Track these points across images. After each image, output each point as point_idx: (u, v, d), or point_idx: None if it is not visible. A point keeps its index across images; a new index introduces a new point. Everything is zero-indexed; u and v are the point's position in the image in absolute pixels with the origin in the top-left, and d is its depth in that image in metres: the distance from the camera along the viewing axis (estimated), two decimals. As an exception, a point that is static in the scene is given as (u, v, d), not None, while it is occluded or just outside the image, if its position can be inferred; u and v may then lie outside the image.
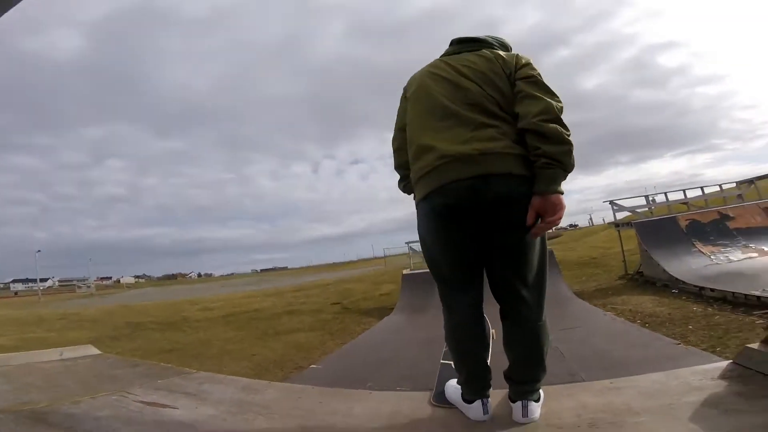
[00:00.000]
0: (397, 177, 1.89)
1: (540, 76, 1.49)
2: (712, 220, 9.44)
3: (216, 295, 22.33)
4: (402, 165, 1.79)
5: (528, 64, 1.53)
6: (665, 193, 11.54)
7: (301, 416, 1.98)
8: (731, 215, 9.47)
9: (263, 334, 9.11)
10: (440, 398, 1.97)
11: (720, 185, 11.43)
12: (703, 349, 4.04)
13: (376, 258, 54.18)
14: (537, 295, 1.53)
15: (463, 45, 1.71)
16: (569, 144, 1.34)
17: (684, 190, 11.40)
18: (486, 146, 1.37)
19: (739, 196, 10.82)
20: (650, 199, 11.47)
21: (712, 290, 6.42)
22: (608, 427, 1.39)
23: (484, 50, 1.62)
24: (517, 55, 1.58)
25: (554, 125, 1.34)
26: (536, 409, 1.57)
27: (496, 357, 1.83)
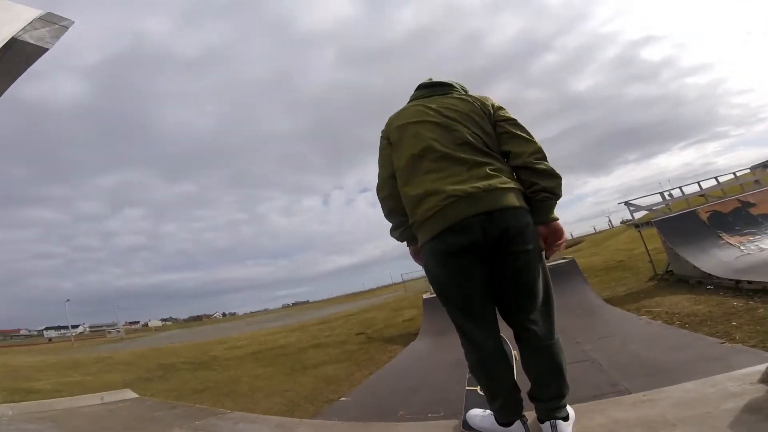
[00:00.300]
0: (389, 225, 1.86)
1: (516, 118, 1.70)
2: (733, 209, 9.13)
3: (242, 333, 22.43)
4: (395, 211, 1.79)
5: (503, 108, 1.73)
6: (680, 188, 11.23)
7: None
8: (752, 201, 9.14)
9: (291, 369, 9.09)
10: (468, 426, 1.94)
11: (734, 173, 11.08)
12: (752, 346, 3.80)
13: (394, 284, 54.00)
14: (547, 316, 1.62)
15: (434, 89, 1.82)
16: (560, 177, 1.56)
17: (698, 182, 11.07)
18: (486, 183, 1.49)
19: (756, 181, 10.47)
20: (666, 195, 11.17)
21: (750, 282, 6.13)
22: None
23: (455, 93, 1.76)
24: (488, 97, 1.73)
25: (546, 163, 1.57)
26: (566, 428, 1.57)
27: (519, 377, 1.83)
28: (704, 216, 9.26)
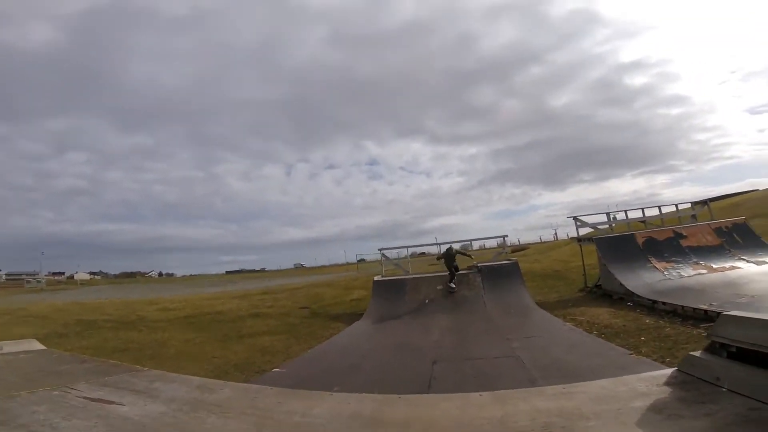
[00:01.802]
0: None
1: None
2: (666, 238, 10.09)
3: (177, 295, 21.37)
4: None
5: None
6: (625, 211, 12.18)
7: (256, 415, 1.93)
8: (684, 234, 10.16)
9: (225, 336, 8.81)
10: None
11: (676, 205, 12.19)
12: (654, 359, 4.25)
13: (348, 264, 54.03)
14: None
15: None
16: None
17: (643, 209, 12.10)
18: None
19: (693, 216, 11.61)
20: (611, 216, 12.02)
21: (664, 303, 6.86)
22: (560, 431, 1.45)
23: None
24: None
25: None
26: None
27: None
28: (640, 240, 10.12)
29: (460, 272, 10.72)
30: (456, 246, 11.74)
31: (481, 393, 2.50)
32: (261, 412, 1.96)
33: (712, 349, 1.63)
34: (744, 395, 1.41)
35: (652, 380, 1.73)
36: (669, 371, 1.77)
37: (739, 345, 1.54)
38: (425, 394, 2.45)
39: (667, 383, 1.68)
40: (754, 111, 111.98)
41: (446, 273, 10.68)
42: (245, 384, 3.21)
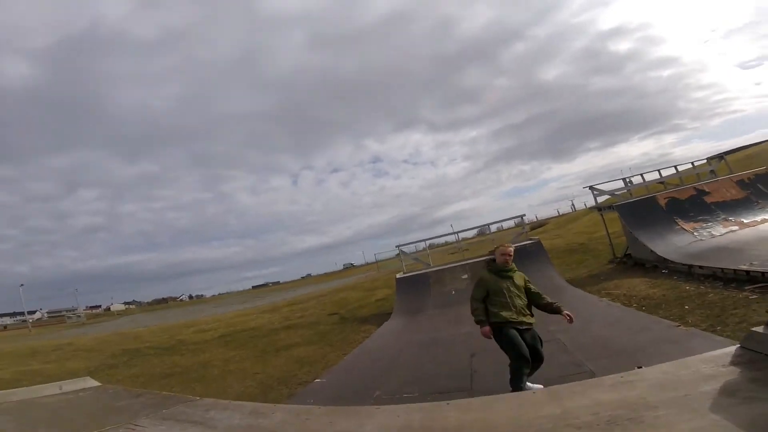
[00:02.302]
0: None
1: None
2: (689, 197, 9.67)
3: (210, 315, 21.92)
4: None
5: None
6: (641, 174, 11.69)
7: None
8: (707, 190, 9.73)
9: (263, 351, 8.98)
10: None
11: (692, 162, 11.73)
12: (703, 329, 4.08)
13: (368, 264, 54.17)
14: None
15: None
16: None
17: (659, 170, 11.64)
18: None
19: (712, 171, 11.16)
20: (628, 181, 11.64)
21: (701, 267, 6.54)
22: (628, 423, 1.40)
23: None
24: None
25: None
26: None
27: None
28: (662, 202, 9.72)
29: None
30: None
31: (534, 390, 2.46)
32: None
33: None
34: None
35: (716, 360, 1.66)
36: (732, 349, 1.69)
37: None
38: (475, 398, 2.43)
39: (734, 363, 1.60)
40: (744, 66, 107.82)
41: (470, 260, 10.52)
42: (295, 405, 3.25)
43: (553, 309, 3.59)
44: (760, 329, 1.61)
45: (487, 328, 3.60)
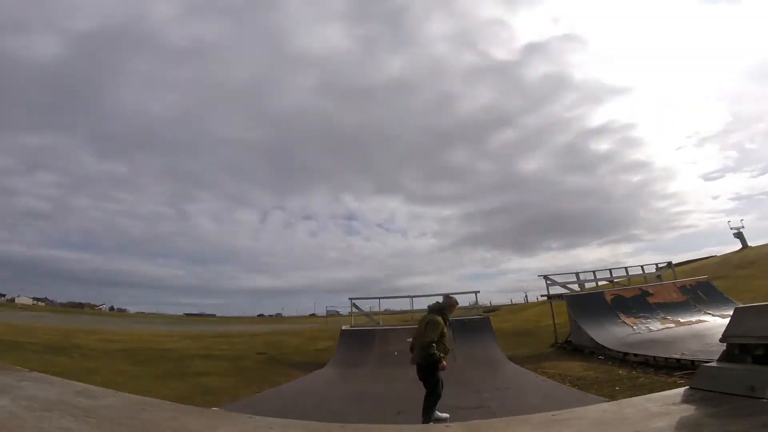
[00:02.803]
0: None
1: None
2: (634, 296, 10.26)
3: (124, 329, 19.51)
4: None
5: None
6: (593, 272, 12.43)
7: (130, 425, 1.58)
8: (651, 291, 10.41)
9: (165, 373, 7.88)
10: None
11: (642, 267, 12.62)
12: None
13: (317, 316, 51.96)
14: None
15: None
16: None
17: (610, 270, 12.48)
18: None
19: (658, 276, 11.99)
20: (580, 276, 12.24)
21: (636, 355, 6.71)
22: None
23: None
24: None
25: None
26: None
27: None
28: (608, 297, 10.26)
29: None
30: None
31: (448, 424, 2.11)
32: (141, 423, 1.58)
33: (730, 356, 1.40)
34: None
35: (663, 400, 1.45)
36: (680, 390, 1.49)
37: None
38: (374, 424, 2.05)
39: (685, 401, 1.39)
40: (707, 177, 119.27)
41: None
42: (139, 396, 2.72)
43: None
44: (713, 364, 1.45)
45: (444, 363, 4.23)
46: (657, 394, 1.61)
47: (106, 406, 1.81)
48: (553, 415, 1.63)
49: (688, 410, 1.39)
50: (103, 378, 6.42)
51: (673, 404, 1.47)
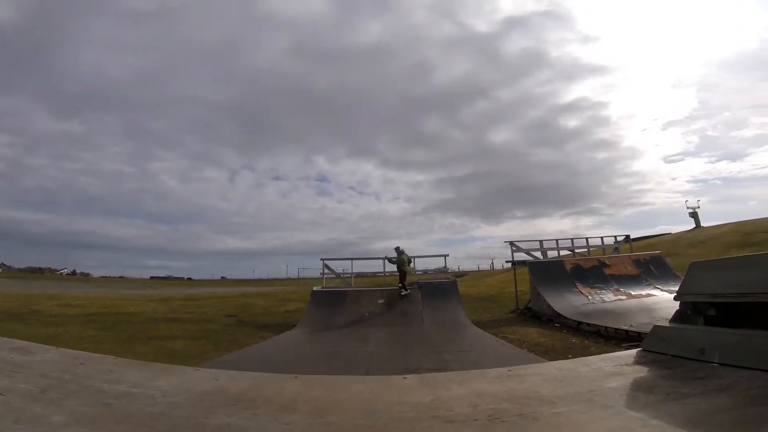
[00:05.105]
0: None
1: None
2: (592, 266, 10.86)
3: (86, 293, 18.77)
4: None
5: None
6: (557, 241, 13.04)
7: (59, 379, 1.55)
8: (608, 263, 11.03)
9: (131, 337, 7.72)
10: None
11: (602, 238, 13.41)
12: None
13: (289, 279, 51.89)
14: None
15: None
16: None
17: (572, 239, 13.21)
18: None
19: (616, 249, 12.73)
20: (543, 245, 12.81)
21: (589, 325, 7.22)
22: (517, 420, 1.14)
23: None
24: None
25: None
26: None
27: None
28: (569, 266, 10.80)
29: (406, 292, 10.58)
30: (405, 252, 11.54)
31: (405, 375, 2.15)
32: (73, 377, 1.52)
33: (683, 316, 1.47)
34: (748, 368, 1.22)
35: (618, 360, 1.53)
36: (633, 351, 1.58)
37: (723, 300, 1.34)
38: (331, 375, 2.07)
39: (639, 362, 1.47)
40: (668, 159, 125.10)
41: (389, 288, 10.64)
42: (80, 351, 2.66)
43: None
44: (664, 324, 1.53)
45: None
46: (610, 354, 1.72)
47: (39, 361, 1.76)
48: (509, 370, 1.70)
49: (641, 371, 1.47)
50: (64, 345, 6.13)
51: (626, 365, 1.56)
